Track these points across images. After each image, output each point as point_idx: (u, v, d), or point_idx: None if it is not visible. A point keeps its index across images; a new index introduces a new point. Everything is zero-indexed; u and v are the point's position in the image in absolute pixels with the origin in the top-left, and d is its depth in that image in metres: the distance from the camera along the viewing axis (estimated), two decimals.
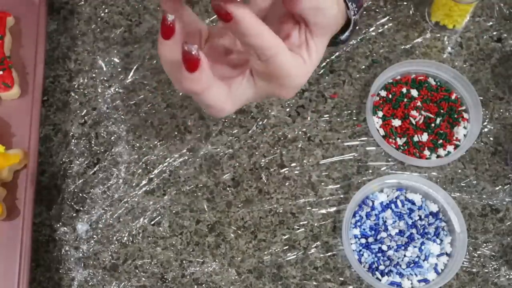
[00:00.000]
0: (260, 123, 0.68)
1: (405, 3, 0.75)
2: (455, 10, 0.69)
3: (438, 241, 0.63)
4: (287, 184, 0.66)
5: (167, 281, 0.62)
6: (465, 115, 0.69)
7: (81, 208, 0.65)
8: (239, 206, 0.65)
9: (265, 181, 0.66)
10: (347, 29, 0.58)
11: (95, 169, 0.66)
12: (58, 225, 0.64)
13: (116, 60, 0.71)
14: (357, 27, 0.58)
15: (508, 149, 0.67)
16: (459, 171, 0.67)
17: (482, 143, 0.68)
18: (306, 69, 0.48)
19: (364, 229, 0.63)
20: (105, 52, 0.72)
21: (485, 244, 0.64)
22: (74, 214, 0.65)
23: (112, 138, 0.68)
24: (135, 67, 0.71)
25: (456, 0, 0.68)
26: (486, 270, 0.63)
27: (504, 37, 0.73)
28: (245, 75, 0.46)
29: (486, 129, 0.68)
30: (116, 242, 0.64)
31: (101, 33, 0.73)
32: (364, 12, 0.74)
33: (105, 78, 0.70)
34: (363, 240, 0.63)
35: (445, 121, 0.68)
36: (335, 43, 0.57)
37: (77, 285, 0.62)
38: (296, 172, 0.66)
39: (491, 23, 0.74)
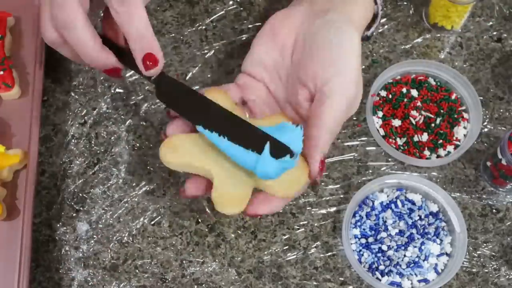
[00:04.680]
0: None
1: (405, 3, 0.75)
2: (453, 11, 0.69)
3: (438, 241, 0.63)
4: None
5: (167, 281, 0.62)
6: (465, 115, 0.69)
7: (81, 208, 0.65)
8: None
9: None
10: (372, 25, 0.60)
11: (95, 169, 0.66)
12: (58, 225, 0.64)
13: None
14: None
15: (481, 160, 0.67)
16: (459, 171, 0.67)
17: (482, 143, 0.68)
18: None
19: (364, 229, 0.63)
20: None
21: (485, 244, 0.64)
22: (74, 214, 0.65)
23: (112, 138, 0.68)
24: None
25: (453, 1, 0.68)
26: (486, 270, 0.63)
27: (504, 37, 0.73)
28: None
29: (486, 129, 0.68)
30: (116, 242, 0.64)
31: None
32: None
33: (105, 78, 0.70)
34: (363, 240, 0.63)
35: (445, 121, 0.68)
36: (362, 39, 0.59)
37: (77, 285, 0.62)
38: None
39: (491, 23, 0.74)
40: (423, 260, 0.62)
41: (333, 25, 0.54)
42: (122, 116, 0.69)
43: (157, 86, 0.54)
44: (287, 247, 0.64)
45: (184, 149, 0.52)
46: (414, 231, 0.63)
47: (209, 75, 0.70)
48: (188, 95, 0.53)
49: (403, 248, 0.62)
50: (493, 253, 0.63)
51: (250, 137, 0.51)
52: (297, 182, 0.52)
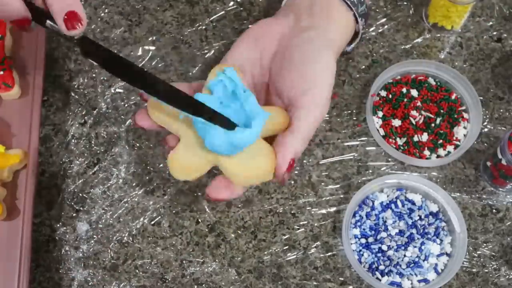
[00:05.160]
0: None
1: (405, 3, 0.75)
2: (453, 11, 0.69)
3: (438, 241, 0.63)
4: (287, 184, 0.66)
5: (167, 281, 0.62)
6: (465, 115, 0.69)
7: (81, 208, 0.65)
8: (239, 206, 0.65)
9: None
10: (353, 41, 0.64)
11: (95, 169, 0.66)
12: (58, 225, 0.64)
13: None
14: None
15: (481, 160, 0.67)
16: (459, 171, 0.67)
17: (482, 143, 0.68)
18: (297, 141, 0.54)
19: (364, 229, 0.63)
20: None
21: (485, 244, 0.64)
22: (74, 214, 0.65)
23: (112, 138, 0.68)
24: None
25: (453, 1, 0.68)
26: (486, 270, 0.63)
27: (504, 37, 0.73)
28: None
29: (486, 129, 0.68)
30: (116, 242, 0.64)
31: (101, 33, 0.73)
32: None
33: (105, 78, 0.70)
34: (363, 240, 0.63)
35: (445, 121, 0.68)
36: (341, 54, 0.63)
37: (77, 285, 0.62)
38: (296, 172, 0.66)
39: (491, 23, 0.74)
40: (423, 260, 0.62)
41: (313, 44, 0.57)
42: (122, 116, 0.69)
43: (81, 47, 0.52)
44: (287, 247, 0.64)
45: (167, 108, 0.52)
46: (414, 231, 0.63)
47: None
48: (113, 60, 0.52)
49: (403, 248, 0.62)
50: (493, 253, 0.63)
51: (195, 108, 0.51)
52: (259, 170, 0.52)
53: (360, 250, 0.63)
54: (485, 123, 0.69)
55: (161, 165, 0.67)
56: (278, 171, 0.52)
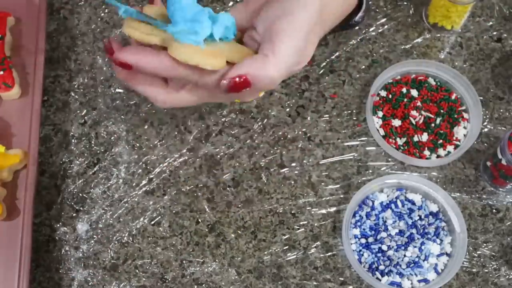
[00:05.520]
0: (260, 123, 0.68)
1: (405, 3, 0.75)
2: (453, 11, 0.69)
3: (438, 241, 0.63)
4: (287, 184, 0.66)
5: (167, 281, 0.62)
6: (465, 115, 0.69)
7: (81, 208, 0.65)
8: (239, 206, 0.65)
9: (265, 181, 0.66)
10: (359, 10, 0.60)
11: (95, 169, 0.66)
12: (58, 225, 0.64)
13: None
14: (369, 7, 0.60)
15: (481, 160, 0.67)
16: (459, 171, 0.67)
17: (482, 143, 0.68)
18: (270, 64, 0.49)
19: (364, 229, 0.63)
20: (105, 52, 0.72)
21: (485, 244, 0.64)
22: (74, 214, 0.65)
23: (112, 138, 0.68)
24: None
25: (453, 1, 0.68)
26: (486, 270, 0.63)
27: (504, 37, 0.73)
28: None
29: (486, 129, 0.68)
30: (116, 242, 0.64)
31: (101, 33, 0.73)
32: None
33: (105, 78, 0.70)
34: (363, 240, 0.63)
35: (445, 121, 0.68)
36: (350, 26, 0.59)
37: (77, 285, 0.62)
38: (296, 172, 0.66)
39: (491, 23, 0.74)
40: (423, 260, 0.62)
41: None
42: (122, 116, 0.69)
43: None
44: (287, 247, 0.64)
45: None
46: (414, 231, 0.63)
47: None
48: None
49: (403, 248, 0.62)
50: (493, 253, 0.63)
51: None
52: (204, 53, 0.48)
53: (360, 250, 0.63)
54: (485, 123, 0.69)
55: (161, 165, 0.67)
56: (225, 76, 0.49)
